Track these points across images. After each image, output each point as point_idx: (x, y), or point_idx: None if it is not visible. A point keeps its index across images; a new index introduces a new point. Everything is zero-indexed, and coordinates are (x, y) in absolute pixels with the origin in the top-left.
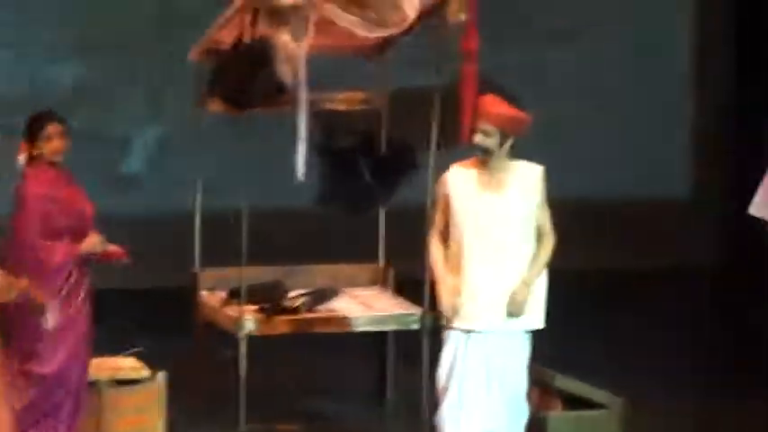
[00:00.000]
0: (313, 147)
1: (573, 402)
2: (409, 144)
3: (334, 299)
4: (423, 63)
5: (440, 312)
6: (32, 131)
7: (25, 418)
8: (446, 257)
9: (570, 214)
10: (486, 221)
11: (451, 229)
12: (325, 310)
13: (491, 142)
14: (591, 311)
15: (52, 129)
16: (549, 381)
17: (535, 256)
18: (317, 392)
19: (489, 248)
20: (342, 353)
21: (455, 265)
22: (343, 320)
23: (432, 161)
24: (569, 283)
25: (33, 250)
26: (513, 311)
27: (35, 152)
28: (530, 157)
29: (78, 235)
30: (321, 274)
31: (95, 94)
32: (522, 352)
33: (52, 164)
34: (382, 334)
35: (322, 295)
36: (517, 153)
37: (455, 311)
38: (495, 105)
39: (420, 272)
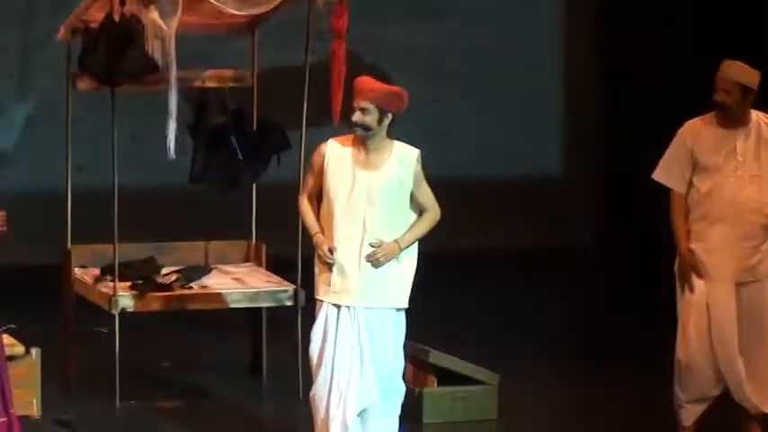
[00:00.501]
0: (184, 124)
1: (450, 379)
2: (279, 122)
3: (207, 275)
4: (292, 41)
5: (313, 284)
6: None
7: None
8: (317, 216)
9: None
10: (357, 199)
11: (324, 201)
12: (198, 286)
13: (370, 119)
14: (472, 292)
15: None
16: (424, 357)
17: (414, 224)
18: (193, 369)
19: (360, 226)
20: (215, 329)
21: (328, 237)
22: (217, 297)
23: (302, 139)
24: (451, 263)
25: None
26: (372, 260)
27: None
28: (400, 136)
29: None
30: (193, 250)
31: None
32: (393, 330)
33: None
34: (256, 310)
35: (195, 272)
36: (391, 133)
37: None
38: (371, 83)
39: (292, 249)
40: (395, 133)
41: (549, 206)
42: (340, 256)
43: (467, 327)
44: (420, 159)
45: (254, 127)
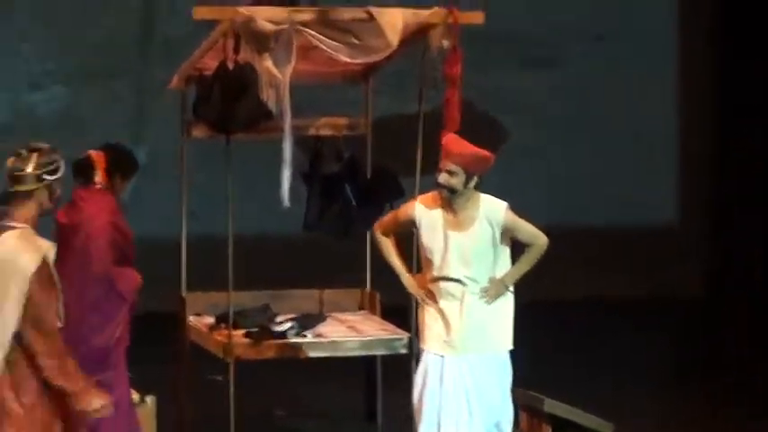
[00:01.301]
0: (298, 172)
1: (563, 428)
2: (393, 169)
3: (322, 323)
4: (406, 89)
5: (416, 334)
6: (130, 167)
7: None
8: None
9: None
10: (452, 261)
11: (422, 256)
12: (312, 334)
13: (456, 182)
14: (580, 338)
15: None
16: (539, 405)
17: (520, 260)
18: (308, 417)
19: (458, 283)
20: (330, 377)
21: (429, 292)
22: (332, 345)
23: (416, 186)
24: (560, 310)
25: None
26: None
27: (113, 183)
28: (511, 182)
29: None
30: (308, 298)
31: (78, 121)
32: (498, 374)
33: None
34: (370, 358)
35: (309, 320)
36: (500, 178)
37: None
38: (458, 145)
39: (406, 296)
40: (508, 179)
41: (661, 254)
42: (442, 309)
43: (579, 375)
44: (508, 209)
45: (368, 175)
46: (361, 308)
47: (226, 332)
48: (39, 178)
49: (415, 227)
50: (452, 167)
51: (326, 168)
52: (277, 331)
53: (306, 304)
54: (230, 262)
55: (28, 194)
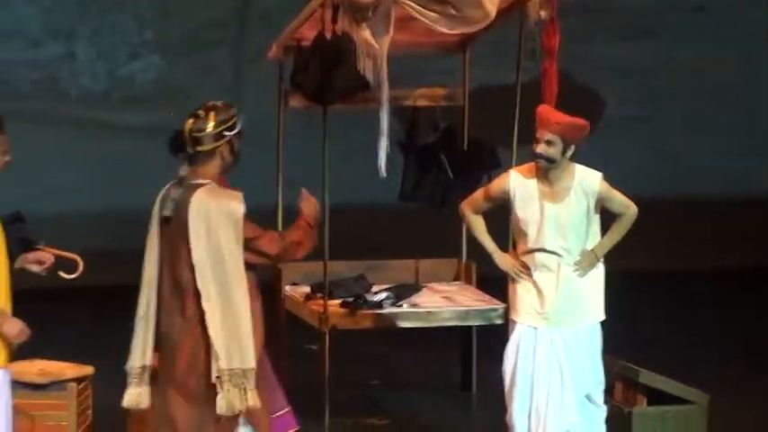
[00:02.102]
0: (395, 143)
1: (658, 398)
2: (490, 140)
3: (417, 294)
4: (504, 60)
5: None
6: None
7: None
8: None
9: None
10: (548, 232)
11: (515, 229)
12: (408, 304)
13: (554, 152)
14: (673, 309)
15: None
16: (634, 376)
17: (610, 230)
18: (403, 386)
19: (551, 254)
20: (425, 348)
21: (523, 266)
22: (427, 315)
23: (513, 157)
24: (659, 282)
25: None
26: (578, 272)
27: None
28: (609, 153)
29: None
30: (404, 269)
31: (175, 90)
32: (590, 345)
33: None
34: (466, 329)
35: (405, 290)
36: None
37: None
38: (555, 114)
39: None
40: (606, 151)
41: (763, 225)
42: (536, 281)
43: (674, 346)
44: (603, 180)
45: (465, 145)
46: (456, 278)
47: (321, 302)
48: (219, 136)
49: (509, 198)
50: (550, 137)
51: (423, 139)
52: (373, 301)
53: (401, 274)
54: (326, 231)
55: (210, 153)
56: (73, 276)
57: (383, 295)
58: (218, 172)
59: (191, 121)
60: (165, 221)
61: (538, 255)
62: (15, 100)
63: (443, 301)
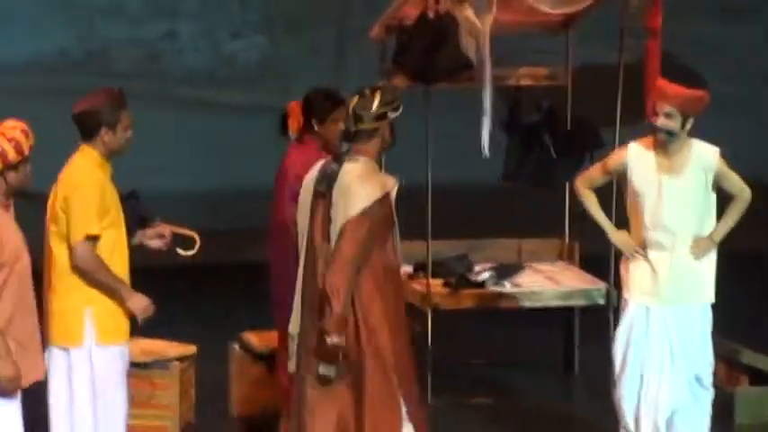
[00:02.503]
0: (498, 122)
1: (760, 379)
2: (593, 120)
3: (520, 273)
4: (606, 39)
5: (616, 284)
6: (323, 109)
7: None
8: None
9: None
10: (665, 206)
11: (630, 205)
12: (511, 284)
13: (673, 124)
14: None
15: (342, 112)
16: (737, 356)
17: (725, 215)
18: (504, 366)
19: (667, 230)
20: (527, 327)
21: (637, 239)
22: (530, 295)
23: (616, 137)
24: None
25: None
26: (694, 255)
27: (316, 129)
28: (711, 133)
29: None
30: (506, 248)
31: (277, 69)
32: (701, 325)
33: (328, 147)
34: (568, 309)
35: (508, 270)
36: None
37: (631, 251)
38: (674, 87)
39: (605, 247)
40: (707, 132)
41: None
42: (651, 260)
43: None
44: (721, 155)
45: (568, 125)
46: (559, 258)
47: (424, 281)
48: (382, 116)
49: (626, 171)
50: (669, 109)
51: (526, 118)
52: (475, 281)
53: (504, 254)
54: (429, 211)
55: (372, 132)
56: (191, 253)
57: (486, 275)
58: (377, 151)
59: (356, 98)
60: (319, 195)
61: (653, 232)
62: (117, 79)
63: (546, 281)
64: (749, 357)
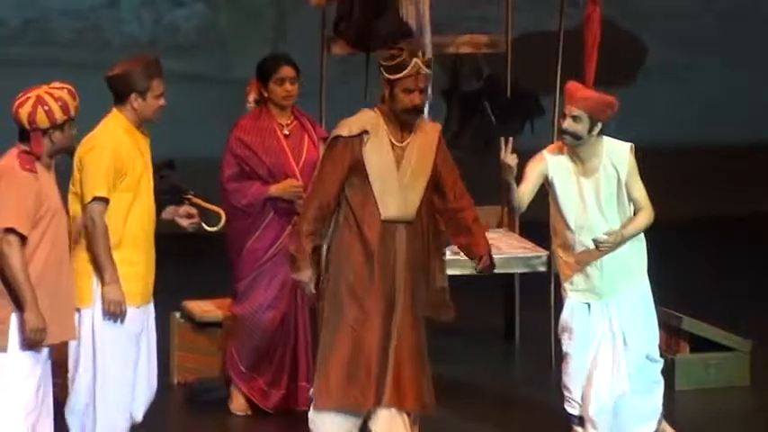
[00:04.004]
0: (437, 90)
1: (701, 346)
2: (533, 88)
3: None
4: (546, 6)
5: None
6: (264, 73)
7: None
8: None
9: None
10: (587, 206)
11: (554, 210)
12: (451, 251)
13: (580, 128)
14: (713, 257)
15: (285, 72)
16: (676, 323)
17: (628, 221)
18: (446, 333)
19: (592, 230)
20: (468, 294)
21: (563, 243)
22: (470, 262)
23: (556, 105)
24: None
25: (224, 192)
26: (602, 248)
27: (265, 94)
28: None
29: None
30: None
31: (218, 38)
32: (642, 305)
33: (282, 107)
34: (509, 276)
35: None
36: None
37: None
38: (583, 90)
39: (545, 213)
40: (652, 97)
41: None
42: (579, 260)
43: (716, 294)
44: (633, 152)
45: (508, 93)
46: (499, 225)
47: None
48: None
49: (548, 180)
50: (577, 112)
51: (466, 86)
52: None
53: None
54: None
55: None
56: (215, 229)
57: None
58: (389, 108)
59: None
60: None
61: (578, 234)
62: (58, 48)
63: None
64: (690, 324)
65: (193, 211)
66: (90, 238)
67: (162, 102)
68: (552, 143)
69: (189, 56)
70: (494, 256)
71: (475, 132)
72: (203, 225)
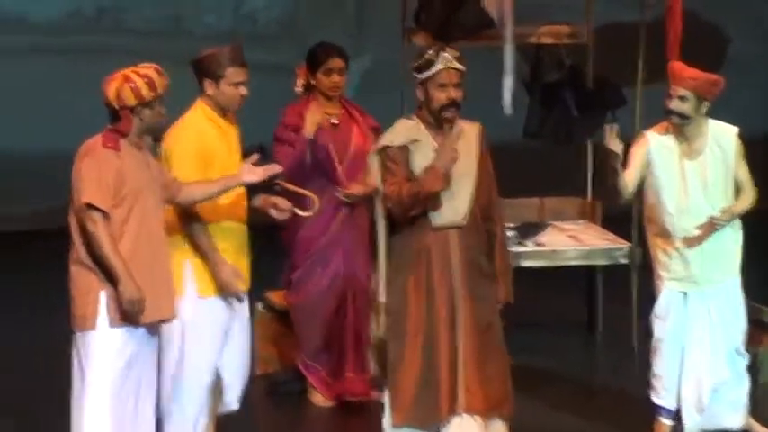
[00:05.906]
0: (519, 81)
1: None
2: (615, 79)
3: (543, 232)
4: None
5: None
6: (314, 61)
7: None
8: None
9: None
10: (690, 192)
11: (650, 198)
12: (533, 243)
13: (687, 108)
14: None
15: (334, 63)
16: (759, 316)
17: (738, 201)
18: (527, 326)
19: (693, 214)
20: (551, 286)
21: (661, 230)
22: (552, 254)
23: (638, 96)
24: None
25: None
26: (717, 223)
27: (312, 82)
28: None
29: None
30: (529, 207)
31: (299, 28)
32: (735, 298)
33: (328, 98)
34: (590, 268)
35: (530, 229)
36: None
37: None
38: (689, 70)
39: (627, 206)
40: (739, 87)
41: None
42: (679, 246)
43: None
44: (739, 136)
45: (590, 83)
46: (581, 217)
47: None
48: (413, 77)
49: (649, 162)
50: (684, 92)
51: (547, 76)
52: None
53: (527, 213)
54: None
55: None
56: (308, 214)
57: (508, 234)
58: (426, 111)
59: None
60: None
61: (679, 218)
62: (137, 38)
63: (569, 240)
64: None
65: (284, 204)
66: (184, 221)
67: (242, 90)
68: (635, 134)
69: (268, 46)
70: (575, 248)
71: (556, 123)
72: (296, 210)
